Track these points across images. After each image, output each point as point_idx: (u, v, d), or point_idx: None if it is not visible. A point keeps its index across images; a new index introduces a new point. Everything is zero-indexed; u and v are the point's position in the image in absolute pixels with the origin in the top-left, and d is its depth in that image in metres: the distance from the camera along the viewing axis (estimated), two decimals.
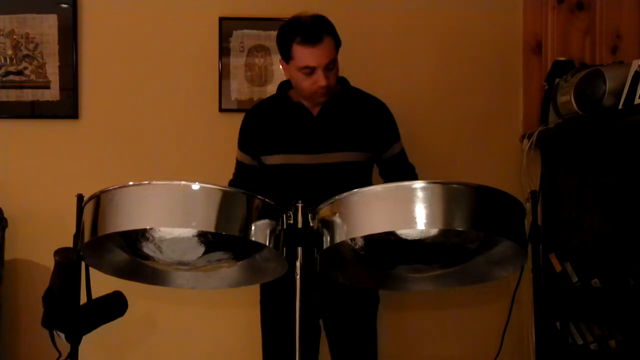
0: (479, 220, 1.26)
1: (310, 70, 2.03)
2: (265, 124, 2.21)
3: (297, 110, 2.17)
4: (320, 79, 2.03)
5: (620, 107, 2.09)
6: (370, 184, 2.20)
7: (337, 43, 2.09)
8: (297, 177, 2.15)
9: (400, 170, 2.25)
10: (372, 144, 2.17)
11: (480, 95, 2.89)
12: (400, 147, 2.26)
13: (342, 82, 2.22)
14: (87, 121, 2.80)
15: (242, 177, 2.27)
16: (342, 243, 1.33)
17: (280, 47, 2.10)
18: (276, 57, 2.80)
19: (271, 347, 2.22)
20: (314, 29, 2.02)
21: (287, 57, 2.07)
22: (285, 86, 2.23)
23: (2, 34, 2.75)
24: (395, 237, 1.31)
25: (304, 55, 2.02)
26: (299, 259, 1.32)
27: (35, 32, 2.76)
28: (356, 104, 2.20)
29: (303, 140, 2.14)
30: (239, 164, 2.28)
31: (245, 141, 2.25)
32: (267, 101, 2.31)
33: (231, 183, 2.30)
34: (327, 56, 2.02)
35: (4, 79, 2.76)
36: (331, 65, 2.05)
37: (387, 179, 2.27)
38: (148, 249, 1.38)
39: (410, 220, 1.23)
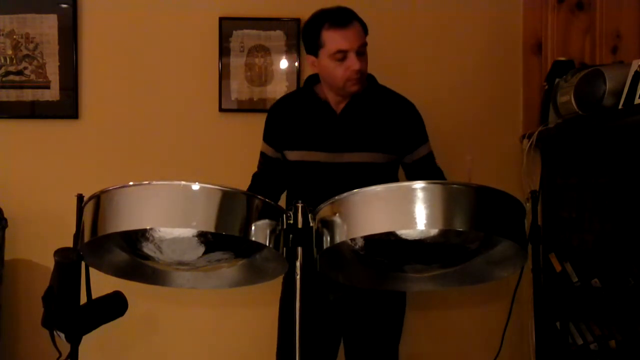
0: (479, 220, 1.26)
1: (342, 55, 1.99)
2: (289, 118, 2.18)
3: (321, 107, 2.13)
4: (353, 63, 1.98)
5: (620, 107, 2.09)
6: None
7: (365, 31, 2.05)
8: (316, 175, 2.11)
9: (427, 173, 2.16)
10: (396, 146, 2.11)
11: (480, 95, 2.89)
12: (427, 149, 2.18)
13: (370, 79, 2.17)
14: (87, 121, 2.80)
15: (266, 170, 2.25)
16: (342, 243, 1.33)
17: (308, 40, 2.07)
18: (276, 57, 2.81)
19: (287, 346, 2.17)
20: (342, 13, 2.01)
21: (316, 47, 2.03)
22: (311, 81, 2.19)
23: (2, 34, 2.75)
24: (395, 237, 1.31)
25: (335, 38, 1.99)
26: (299, 259, 1.32)
27: (35, 32, 2.76)
28: (382, 103, 2.15)
29: (323, 138, 2.11)
30: (262, 155, 2.25)
31: (269, 133, 2.22)
32: (294, 94, 2.29)
33: (254, 176, 2.27)
34: (358, 39, 1.99)
35: (4, 79, 2.76)
36: (362, 50, 2.01)
37: None
38: (148, 249, 1.39)
39: (411, 221, 1.23)
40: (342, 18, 2.00)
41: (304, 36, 2.09)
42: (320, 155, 2.11)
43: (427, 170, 2.18)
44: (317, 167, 2.11)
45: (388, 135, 2.11)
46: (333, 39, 1.99)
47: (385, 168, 2.12)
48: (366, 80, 2.15)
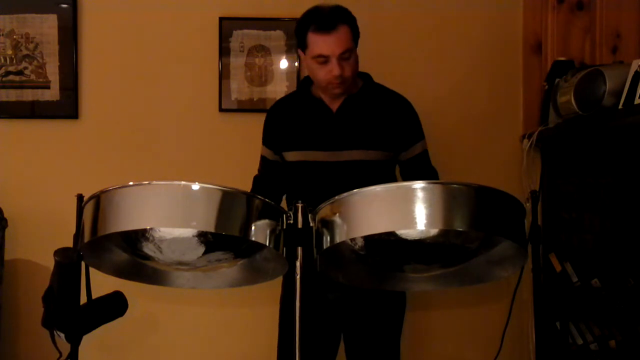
0: (479, 220, 1.26)
1: (324, 59, 1.99)
2: (286, 120, 2.19)
3: (317, 106, 2.14)
4: (334, 68, 1.98)
5: (620, 107, 2.09)
6: None
7: (355, 34, 2.04)
8: (315, 174, 2.11)
9: (421, 173, 2.15)
10: (392, 143, 2.11)
11: (480, 95, 2.89)
12: (422, 148, 2.18)
13: (365, 78, 2.18)
14: (87, 121, 2.80)
15: (266, 173, 2.26)
16: (342, 243, 1.33)
17: (297, 37, 2.07)
18: (276, 57, 2.81)
19: (287, 346, 2.16)
20: (328, 17, 1.99)
21: (303, 46, 2.04)
22: (307, 81, 2.19)
23: (2, 34, 2.75)
24: (395, 237, 1.31)
25: (317, 43, 1.98)
26: (299, 259, 1.32)
27: (35, 32, 2.76)
28: (377, 100, 2.14)
29: (320, 137, 2.11)
30: (262, 158, 2.26)
31: (268, 136, 2.24)
32: (290, 96, 2.29)
33: (255, 179, 2.28)
34: (341, 45, 1.98)
35: (4, 79, 2.76)
36: (346, 55, 2.00)
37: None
38: (148, 249, 1.39)
39: (411, 221, 1.23)
40: (327, 22, 1.98)
41: (295, 31, 2.09)
42: (319, 155, 2.11)
43: (420, 169, 2.17)
44: (316, 166, 2.11)
45: (384, 132, 2.11)
46: (315, 43, 1.99)
47: (383, 166, 2.12)
48: (361, 78, 2.16)
